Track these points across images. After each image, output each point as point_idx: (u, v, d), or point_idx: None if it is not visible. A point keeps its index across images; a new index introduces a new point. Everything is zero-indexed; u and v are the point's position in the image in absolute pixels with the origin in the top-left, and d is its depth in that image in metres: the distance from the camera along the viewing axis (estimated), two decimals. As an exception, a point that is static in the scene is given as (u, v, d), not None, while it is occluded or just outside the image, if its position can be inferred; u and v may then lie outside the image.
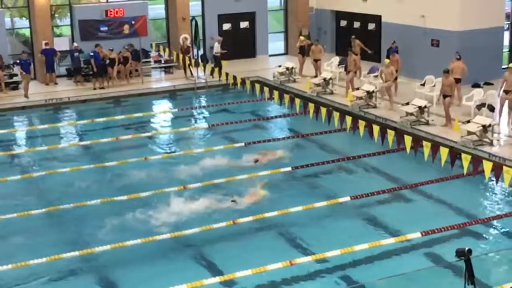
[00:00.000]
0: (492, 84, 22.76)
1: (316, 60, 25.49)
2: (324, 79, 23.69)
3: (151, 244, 13.11)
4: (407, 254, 12.88)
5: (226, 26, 29.40)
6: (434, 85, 21.74)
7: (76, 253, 12.83)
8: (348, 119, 18.40)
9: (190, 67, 26.41)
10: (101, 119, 21.85)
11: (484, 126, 17.63)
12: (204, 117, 23.17)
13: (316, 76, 24.91)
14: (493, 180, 15.22)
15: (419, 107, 19.61)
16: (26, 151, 19.59)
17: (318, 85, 23.74)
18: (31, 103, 23.88)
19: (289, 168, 16.93)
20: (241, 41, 29.30)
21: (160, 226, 13.93)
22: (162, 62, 27.81)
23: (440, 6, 23.76)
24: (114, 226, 14.16)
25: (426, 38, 24.32)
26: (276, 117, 22.54)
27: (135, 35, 26.44)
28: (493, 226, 14.02)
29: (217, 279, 11.81)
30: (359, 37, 26.21)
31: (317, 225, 14.16)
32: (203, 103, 24.94)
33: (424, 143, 16.29)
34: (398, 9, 25.53)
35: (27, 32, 27.44)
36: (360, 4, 27.78)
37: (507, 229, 13.88)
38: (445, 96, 19.33)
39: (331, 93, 23.50)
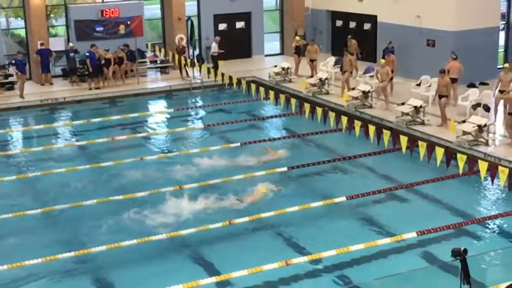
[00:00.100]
0: (487, 84, 22.80)
1: (312, 60, 25.50)
2: (320, 79, 23.70)
3: (147, 245, 13.11)
4: (403, 254, 12.89)
5: (222, 26, 29.39)
6: (430, 85, 21.77)
7: (72, 253, 12.82)
8: (344, 119, 18.44)
9: (186, 67, 26.40)
10: (96, 120, 21.83)
11: (479, 126, 17.66)
12: (200, 117, 23.16)
13: (312, 76, 24.92)
14: (488, 180, 15.25)
15: (415, 107, 19.64)
16: (21, 152, 19.56)
17: (313, 85, 23.74)
18: (27, 104, 23.84)
19: (285, 168, 16.94)
20: (237, 41, 29.29)
21: (156, 226, 13.92)
22: (158, 62, 27.79)
23: (435, 6, 23.80)
24: (110, 226, 14.15)
25: (421, 38, 24.35)
26: (271, 117, 22.54)
27: (131, 35, 26.42)
28: (489, 226, 14.05)
29: (213, 279, 11.81)
30: (355, 37, 26.23)
31: (313, 225, 14.16)
32: (199, 103, 24.92)
33: (420, 143, 16.34)
34: (394, 9, 25.55)
35: (22, 32, 27.38)
36: (355, 4, 27.80)
37: (503, 229, 13.91)
38: (441, 96, 19.36)
39: (327, 93, 23.52)
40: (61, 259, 12.63)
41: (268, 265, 11.91)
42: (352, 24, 28.76)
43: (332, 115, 18.90)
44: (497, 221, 14.19)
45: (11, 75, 25.14)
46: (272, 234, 13.93)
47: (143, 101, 24.77)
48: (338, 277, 12.08)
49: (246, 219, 14.04)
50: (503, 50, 26.52)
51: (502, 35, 26.13)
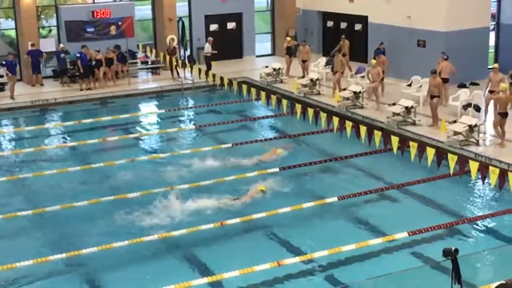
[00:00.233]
0: (478, 84, 22.89)
1: (304, 61, 25.53)
2: (311, 80, 23.73)
3: (138, 246, 13.08)
4: (394, 254, 12.92)
5: (213, 27, 29.37)
6: (421, 86, 21.84)
7: (63, 255, 12.77)
8: (335, 119, 18.46)
9: (177, 68, 26.37)
10: (88, 120, 21.78)
11: (470, 126, 17.73)
12: (191, 118, 23.14)
13: (303, 77, 24.94)
14: (479, 180, 15.30)
15: (406, 108, 19.68)
16: (12, 153, 19.50)
17: (305, 85, 23.77)
18: (17, 105, 23.76)
19: (276, 169, 16.94)
20: (228, 42, 29.28)
21: (148, 227, 13.90)
22: (149, 63, 27.76)
23: (426, 7, 23.87)
24: (102, 227, 14.13)
25: (412, 38, 24.42)
26: (263, 117, 22.54)
27: (122, 36, 26.38)
28: (480, 226, 14.10)
29: (205, 279, 11.81)
30: (346, 38, 26.26)
31: (305, 226, 14.17)
32: (190, 104, 24.90)
33: (411, 143, 16.38)
34: (385, 9, 25.61)
35: (13, 33, 27.28)
36: (346, 5, 27.84)
37: (494, 229, 13.96)
38: (432, 97, 19.40)
39: (318, 93, 23.54)
40: (52, 261, 12.60)
41: (260, 265, 11.91)
42: (343, 25, 28.80)
43: (323, 115, 18.92)
44: (488, 221, 14.25)
45: (2, 76, 25.04)
46: (264, 235, 13.93)
47: (134, 102, 24.73)
48: (329, 277, 12.09)
49: (238, 220, 14.04)
50: (493, 50, 26.62)
51: (492, 35, 26.23)
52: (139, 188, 15.75)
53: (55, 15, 27.33)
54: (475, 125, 17.80)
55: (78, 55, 25.04)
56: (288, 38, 27.21)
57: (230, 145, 18.98)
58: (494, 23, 26.65)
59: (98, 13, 26.65)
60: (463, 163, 15.17)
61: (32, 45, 25.44)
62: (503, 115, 17.55)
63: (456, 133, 17.89)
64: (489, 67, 24.15)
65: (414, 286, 11.50)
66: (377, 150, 17.69)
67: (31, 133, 21.42)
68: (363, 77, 23.56)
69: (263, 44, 31.06)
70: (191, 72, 25.61)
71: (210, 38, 27.05)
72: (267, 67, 25.97)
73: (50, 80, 26.37)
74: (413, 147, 16.16)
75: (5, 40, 28.26)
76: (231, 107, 23.42)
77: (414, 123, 19.61)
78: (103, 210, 14.87)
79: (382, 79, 22.21)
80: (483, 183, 15.26)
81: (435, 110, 19.38)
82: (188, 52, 28.54)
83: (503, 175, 14.26)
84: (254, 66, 28.15)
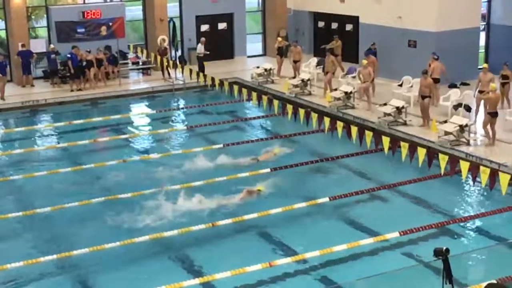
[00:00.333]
0: (468, 84, 22.95)
1: (295, 61, 25.55)
2: (302, 80, 23.74)
3: (130, 247, 13.05)
4: (386, 254, 12.94)
5: (204, 27, 29.35)
6: (412, 86, 21.88)
7: (54, 256, 12.74)
8: (326, 120, 18.49)
9: (168, 68, 26.34)
10: (78, 121, 21.71)
11: (461, 126, 17.78)
12: (182, 119, 23.11)
13: (294, 77, 24.95)
14: (470, 180, 15.34)
15: (397, 108, 19.73)
16: (2, 154, 19.41)
17: (296, 86, 23.78)
18: (7, 106, 23.66)
19: (268, 170, 16.94)
20: (219, 42, 29.26)
21: (139, 228, 13.86)
22: (140, 63, 27.69)
23: (417, 7, 23.93)
24: (93, 229, 14.10)
25: (403, 38, 24.46)
26: (254, 118, 22.54)
27: (113, 36, 26.32)
28: (471, 225, 14.15)
29: (196, 281, 11.80)
30: (335, 39, 26.22)
31: (296, 226, 14.17)
32: (181, 104, 24.87)
33: (402, 143, 16.41)
34: (375, 10, 25.65)
35: (3, 33, 27.17)
36: (337, 5, 27.87)
37: (484, 228, 14.00)
38: (423, 97, 19.43)
39: (309, 94, 23.56)
40: (43, 262, 12.55)
41: (251, 266, 11.91)
42: (334, 25, 28.83)
43: (314, 116, 18.94)
44: (479, 221, 14.29)
45: (-8, 77, 24.92)
46: (256, 236, 13.93)
47: (125, 103, 24.68)
48: (321, 278, 12.11)
49: (229, 220, 14.03)
50: (483, 50, 26.72)
51: (482, 35, 26.32)
52: (130, 189, 15.73)
53: (45, 15, 27.24)
54: (466, 125, 17.86)
55: (68, 55, 24.96)
56: (279, 39, 27.23)
57: (221, 145, 18.97)
58: (485, 23, 26.76)
59: (88, 14, 26.57)
60: (454, 163, 15.21)
61: (23, 45, 25.35)
62: (492, 114, 17.61)
63: (447, 133, 17.95)
64: (479, 67, 24.23)
65: (405, 286, 11.52)
66: (368, 150, 17.72)
67: (21, 134, 21.31)
68: (354, 77, 23.59)
69: (254, 45, 31.05)
70: (182, 73, 25.58)
71: (203, 39, 27.00)
72: (258, 67, 25.96)
73: (41, 81, 26.26)
74: (404, 147, 16.19)
75: (-5, 40, 28.18)
76: (222, 108, 23.41)
77: (405, 123, 19.65)
78: (94, 211, 14.84)
79: (373, 79, 22.25)
80: (474, 183, 15.31)
81: (426, 110, 19.42)
82: (179, 53, 28.50)
83: (493, 175, 14.31)
84: (245, 67, 28.14)
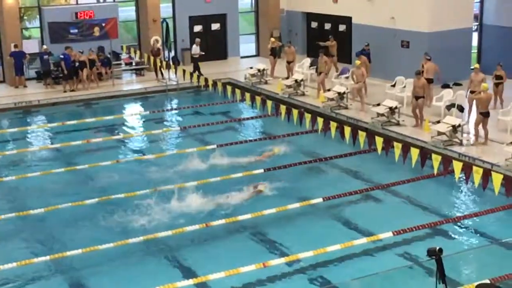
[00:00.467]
0: (461, 84, 23.00)
1: (289, 62, 25.56)
2: (296, 81, 23.76)
3: (123, 248, 13.05)
4: (379, 254, 12.96)
5: (197, 28, 29.34)
6: (405, 86, 21.93)
7: (47, 257, 12.72)
8: (320, 120, 18.52)
9: (161, 69, 26.32)
10: (71, 122, 21.66)
11: (453, 126, 17.83)
12: (176, 119, 23.09)
13: (287, 78, 24.96)
14: (463, 180, 15.39)
15: (390, 108, 19.76)
16: (-5, 155, 19.38)
17: (289, 86, 23.80)
18: (0, 106, 23.58)
19: (261, 170, 16.95)
20: (212, 43, 29.27)
21: (133, 229, 13.85)
22: (133, 64, 27.65)
23: (410, 8, 23.99)
24: (86, 229, 14.08)
25: (396, 39, 24.51)
26: (248, 119, 22.54)
27: (106, 37, 26.28)
28: (464, 225, 14.18)
29: (190, 281, 11.79)
30: (330, 39, 26.27)
31: (290, 227, 14.19)
32: (175, 105, 24.85)
33: (395, 143, 16.45)
34: (368, 10, 25.70)
35: (-5, 34, 27.11)
36: (330, 5, 27.91)
37: (477, 228, 14.03)
38: (417, 98, 19.45)
39: (303, 94, 23.58)
40: (36, 263, 12.53)
41: (245, 267, 11.92)
42: (327, 26, 28.86)
43: (308, 116, 18.96)
44: (472, 220, 14.33)
45: (-16, 78, 24.90)
46: (249, 236, 13.93)
47: (118, 104, 24.64)
48: (315, 278, 12.12)
49: (223, 221, 14.03)
50: (476, 51, 26.80)
51: (475, 36, 26.40)
52: (123, 189, 15.71)
53: (38, 16, 27.18)
54: (459, 125, 17.92)
55: (61, 56, 24.91)
56: (273, 39, 27.24)
57: (215, 146, 18.96)
58: (477, 23, 26.84)
59: (81, 14, 26.50)
60: (447, 163, 15.25)
61: (15, 46, 25.29)
62: (484, 114, 17.67)
63: (440, 133, 17.99)
64: (472, 67, 24.30)
65: (399, 285, 11.55)
66: (362, 150, 17.76)
67: (14, 135, 21.25)
68: (347, 78, 23.63)
69: (247, 45, 31.05)
70: (176, 73, 25.56)
71: (198, 40, 26.98)
72: (251, 68, 25.97)
73: (34, 82, 26.21)
74: (397, 147, 16.23)
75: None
76: (215, 108, 23.40)
77: (398, 124, 19.69)
78: (87, 212, 14.82)
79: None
80: (467, 183, 15.36)
81: (420, 111, 19.47)
82: (172, 53, 28.46)
83: (486, 175, 14.36)
84: (238, 67, 28.14)
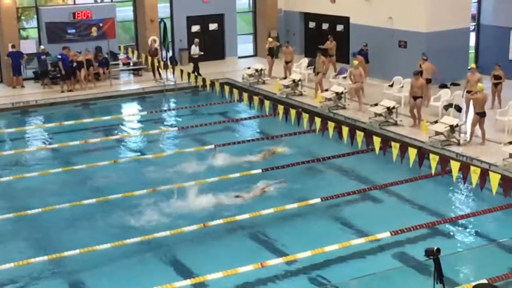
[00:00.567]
0: (459, 84, 23.04)
1: (287, 62, 25.57)
2: (293, 81, 23.76)
3: (121, 248, 13.04)
4: (377, 254, 12.97)
5: (195, 28, 29.33)
6: (402, 86, 21.95)
7: (45, 257, 12.71)
8: (318, 120, 18.51)
9: (159, 69, 26.30)
10: (69, 122, 21.64)
11: (451, 126, 17.85)
12: (173, 120, 23.08)
13: (285, 78, 24.97)
14: (460, 180, 15.40)
15: (388, 108, 19.78)
16: (-7, 155, 19.36)
17: (287, 86, 23.80)
18: (-2, 107, 23.62)
19: (259, 170, 16.95)
20: (210, 43, 29.26)
21: (130, 229, 13.84)
22: (131, 64, 27.63)
23: (407, 8, 24.00)
24: (84, 230, 14.07)
25: (393, 39, 24.52)
26: (245, 119, 22.54)
27: (103, 37, 26.25)
28: (461, 225, 14.20)
29: (188, 282, 11.79)
30: (328, 39, 26.28)
31: (288, 227, 14.19)
32: (173, 105, 24.84)
33: (393, 143, 16.46)
34: (366, 10, 25.71)
35: (-7, 34, 27.09)
36: (328, 5, 27.91)
37: (475, 228, 14.05)
38: (415, 98, 19.46)
39: (301, 94, 23.59)
40: (34, 264, 12.52)
41: (243, 267, 11.92)
42: (325, 26, 28.87)
43: (305, 116, 18.96)
44: (469, 220, 14.34)
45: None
46: (247, 236, 13.93)
47: (116, 104, 24.63)
48: (313, 278, 12.12)
49: (221, 221, 14.03)
50: (473, 51, 26.82)
51: (472, 36, 26.42)
52: (121, 189, 15.70)
53: (35, 16, 27.16)
54: (456, 125, 17.93)
55: (59, 56, 24.88)
56: (270, 39, 27.24)
57: (212, 146, 18.96)
58: (475, 24, 26.85)
59: (79, 15, 26.48)
60: (444, 163, 15.27)
61: (13, 46, 25.27)
62: (481, 114, 17.69)
63: (437, 133, 18.01)
64: (469, 67, 24.33)
65: (397, 285, 11.56)
66: (359, 150, 17.77)
67: (12, 135, 21.24)
68: (345, 78, 23.64)
69: (245, 45, 31.05)
70: (173, 74, 25.54)
71: (197, 40, 26.95)
72: (249, 68, 25.98)
73: (31, 82, 26.18)
74: (395, 147, 16.24)
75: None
76: (213, 109, 23.39)
77: (396, 124, 19.71)
78: (86, 212, 14.81)
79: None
80: (465, 182, 15.37)
81: (418, 111, 19.48)
82: (170, 53, 28.46)
83: (484, 174, 14.37)
84: (236, 67, 28.14)
